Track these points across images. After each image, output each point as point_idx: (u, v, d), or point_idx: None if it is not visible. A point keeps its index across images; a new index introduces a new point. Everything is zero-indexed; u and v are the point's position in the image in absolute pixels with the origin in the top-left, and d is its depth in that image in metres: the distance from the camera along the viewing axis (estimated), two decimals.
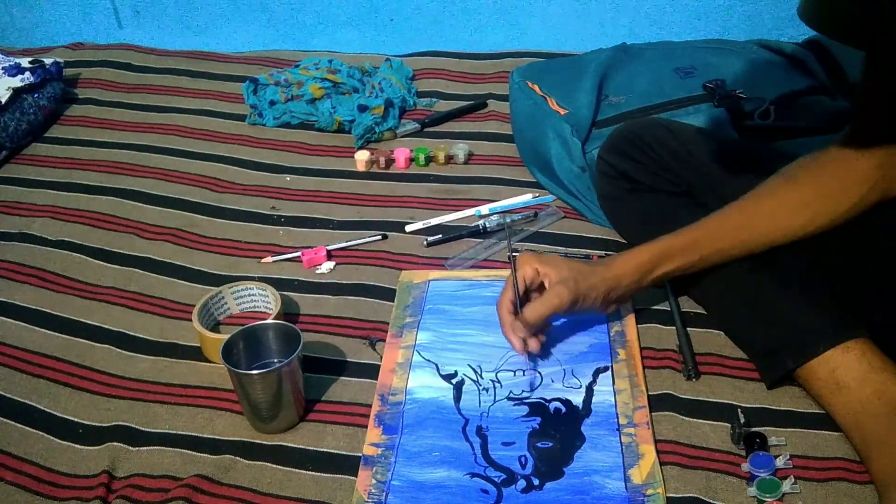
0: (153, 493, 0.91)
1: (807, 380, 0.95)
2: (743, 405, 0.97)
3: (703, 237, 1.02)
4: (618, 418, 0.97)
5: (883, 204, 0.96)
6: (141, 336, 1.14)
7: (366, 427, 0.98)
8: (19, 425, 1.01)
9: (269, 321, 1.03)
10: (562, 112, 1.36)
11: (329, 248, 1.27)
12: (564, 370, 1.04)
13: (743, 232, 1.02)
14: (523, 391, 1.01)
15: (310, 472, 0.93)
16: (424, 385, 1.03)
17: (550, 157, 1.35)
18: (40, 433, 1.00)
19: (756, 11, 1.80)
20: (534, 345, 1.00)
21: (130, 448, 0.97)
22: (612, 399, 0.99)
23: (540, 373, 1.04)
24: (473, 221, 1.33)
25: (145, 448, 0.97)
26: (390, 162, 1.50)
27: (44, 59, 1.73)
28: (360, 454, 0.95)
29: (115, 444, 0.97)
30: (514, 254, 1.04)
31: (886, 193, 0.95)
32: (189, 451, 0.96)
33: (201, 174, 1.50)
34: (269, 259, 1.27)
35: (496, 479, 0.91)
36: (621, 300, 1.05)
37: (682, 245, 1.02)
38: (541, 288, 1.01)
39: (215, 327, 1.14)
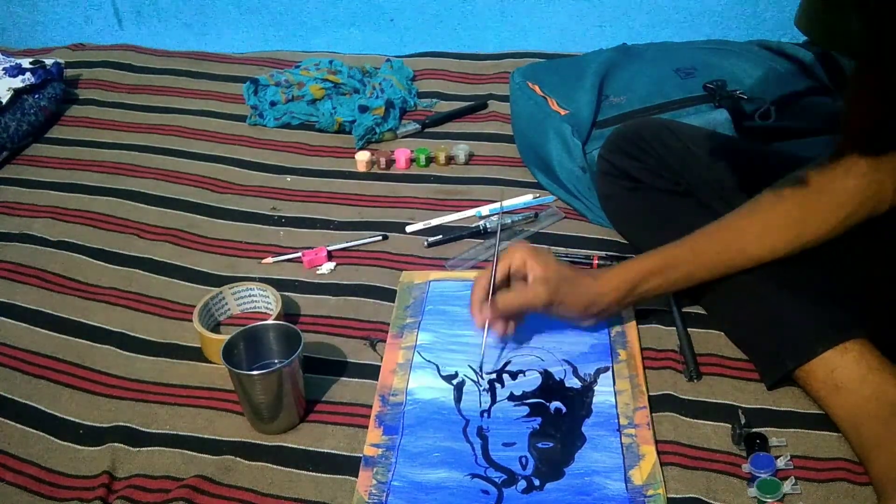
0: (154, 493, 0.91)
1: (806, 381, 0.95)
2: (743, 406, 0.97)
3: (686, 256, 1.02)
4: (618, 419, 0.97)
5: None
6: (141, 336, 1.14)
7: (366, 428, 0.98)
8: (20, 426, 1.01)
9: (270, 322, 1.03)
10: (562, 112, 1.36)
11: (329, 248, 1.27)
12: (566, 370, 1.04)
13: (728, 251, 1.01)
14: (524, 391, 1.01)
15: (310, 473, 0.93)
16: (425, 386, 1.03)
17: (551, 158, 1.35)
18: (41, 434, 1.00)
19: (757, 12, 1.80)
20: (499, 327, 1.01)
21: (131, 448, 0.97)
22: (613, 399, 0.99)
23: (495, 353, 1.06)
24: (474, 222, 1.33)
25: (146, 449, 0.97)
26: (391, 162, 1.50)
27: (44, 60, 1.73)
28: (361, 455, 0.95)
29: (116, 444, 0.97)
30: (502, 243, 1.04)
31: (874, 210, 0.95)
32: (189, 452, 0.96)
33: (202, 175, 1.50)
34: (270, 260, 1.27)
35: (497, 480, 0.91)
36: (602, 316, 1.04)
37: (665, 263, 1.02)
38: (524, 279, 1.01)
39: (216, 328, 1.14)
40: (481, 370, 1.04)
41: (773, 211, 0.99)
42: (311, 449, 0.96)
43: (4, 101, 1.58)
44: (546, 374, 1.04)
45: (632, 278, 1.01)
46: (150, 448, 0.97)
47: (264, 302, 1.15)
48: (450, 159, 1.50)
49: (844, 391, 0.91)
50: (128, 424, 1.00)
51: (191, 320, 1.10)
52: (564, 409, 0.99)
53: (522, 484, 0.90)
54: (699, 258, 1.01)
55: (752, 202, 1.01)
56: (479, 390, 1.02)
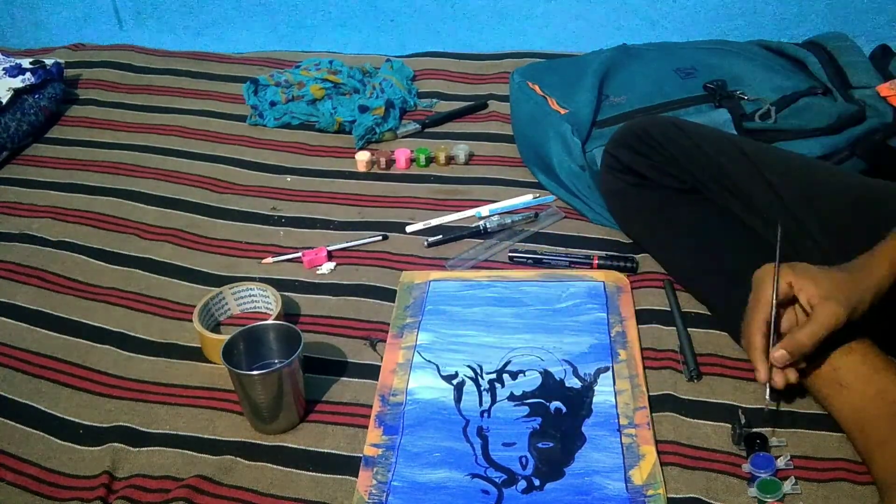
0: (154, 493, 0.91)
1: (809, 380, 0.95)
2: (744, 406, 0.97)
3: None
4: (618, 419, 0.97)
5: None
6: (141, 337, 1.14)
7: (366, 428, 0.98)
8: (20, 426, 1.01)
9: (270, 322, 1.03)
10: (562, 112, 1.36)
11: (330, 248, 1.27)
12: (566, 370, 1.04)
13: None
14: (524, 391, 1.01)
15: (310, 473, 0.93)
16: (425, 386, 1.03)
17: (551, 158, 1.35)
18: (41, 434, 1.00)
19: (757, 12, 1.80)
20: (779, 380, 0.89)
21: (131, 449, 0.97)
22: (613, 399, 0.99)
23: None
24: (474, 222, 1.33)
25: (146, 449, 0.97)
26: (391, 162, 1.50)
27: (44, 60, 1.72)
28: (361, 455, 0.95)
29: (116, 444, 0.97)
30: (777, 264, 0.89)
31: None
32: (190, 452, 0.96)
33: (202, 175, 1.50)
34: (270, 259, 1.27)
35: (497, 480, 0.91)
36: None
37: None
38: (791, 302, 0.90)
39: (216, 328, 1.14)
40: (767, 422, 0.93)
41: None
42: (311, 449, 0.96)
43: (4, 101, 1.58)
44: (546, 374, 1.04)
45: None
46: (150, 448, 0.97)
47: (264, 302, 1.15)
48: (450, 159, 1.50)
49: (848, 391, 0.91)
50: (128, 424, 1.00)
51: (191, 320, 1.10)
52: (564, 409, 0.99)
53: (522, 484, 0.90)
54: None
55: None
56: (480, 390, 1.02)
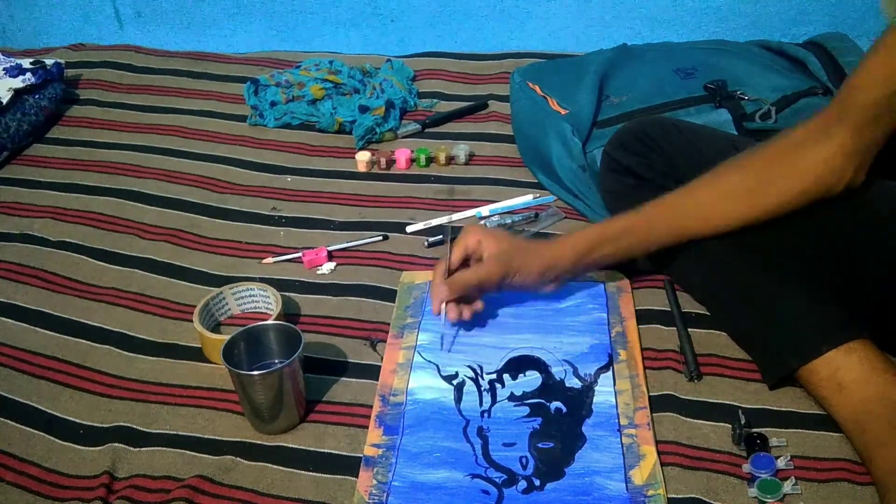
0: (154, 493, 0.91)
1: (808, 380, 0.95)
2: (744, 406, 0.97)
3: (640, 223, 1.04)
4: (619, 419, 0.97)
5: (887, 203, 0.96)
6: (142, 337, 1.14)
7: (366, 428, 0.98)
8: (20, 426, 1.01)
9: (270, 322, 1.03)
10: (562, 112, 1.36)
11: (330, 248, 1.27)
12: (566, 370, 1.04)
13: (683, 218, 1.04)
14: (524, 391, 1.01)
15: (310, 473, 0.93)
16: (425, 386, 1.03)
17: (551, 158, 1.35)
18: (41, 434, 1.00)
19: (757, 12, 1.80)
20: (452, 313, 1.04)
21: (131, 449, 0.97)
22: (613, 400, 0.99)
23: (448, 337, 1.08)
24: (474, 222, 1.33)
25: (146, 449, 0.97)
26: (391, 163, 1.50)
27: (45, 60, 1.73)
28: (361, 455, 0.95)
29: (116, 444, 0.97)
30: (455, 225, 1.10)
31: (830, 190, 0.96)
32: (190, 452, 0.96)
33: (202, 175, 1.50)
34: (270, 260, 1.27)
35: (497, 480, 0.91)
36: (559, 281, 1.07)
37: (619, 230, 1.05)
38: (481, 259, 1.04)
39: (216, 328, 1.14)
40: (443, 350, 1.07)
41: (730, 180, 1.01)
42: (311, 449, 0.96)
43: (5, 101, 1.58)
44: (546, 374, 1.04)
45: (587, 243, 1.04)
46: (150, 448, 0.97)
47: (264, 302, 1.15)
48: (450, 159, 1.50)
49: (848, 391, 0.91)
50: (128, 424, 1.00)
51: (191, 320, 1.10)
52: (565, 409, 0.99)
53: (523, 484, 0.90)
54: (655, 225, 1.04)
55: (711, 172, 1.03)
56: (480, 390, 1.02)
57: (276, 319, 1.06)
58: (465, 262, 1.06)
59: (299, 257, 1.26)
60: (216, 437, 0.98)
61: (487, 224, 1.30)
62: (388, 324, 1.13)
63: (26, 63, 1.69)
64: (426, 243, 1.28)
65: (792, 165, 0.97)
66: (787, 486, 0.87)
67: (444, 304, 1.04)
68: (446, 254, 1.05)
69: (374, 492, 0.90)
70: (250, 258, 1.28)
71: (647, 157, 1.17)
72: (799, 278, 1.01)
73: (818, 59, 1.40)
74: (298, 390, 0.98)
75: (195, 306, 1.11)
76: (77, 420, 1.02)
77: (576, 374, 1.03)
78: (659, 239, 1.05)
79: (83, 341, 1.14)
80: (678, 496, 0.88)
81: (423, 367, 1.06)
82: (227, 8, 2.00)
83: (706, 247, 1.07)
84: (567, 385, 1.02)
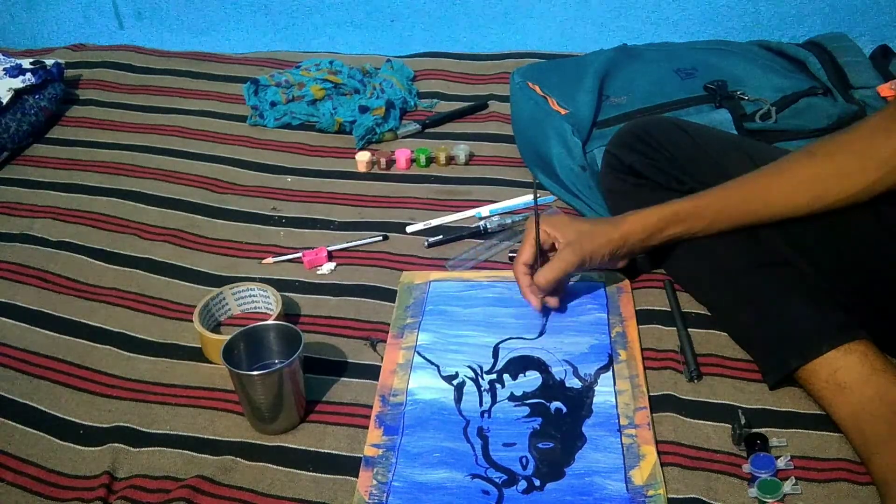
0: (154, 493, 0.91)
1: (808, 381, 0.95)
2: (744, 406, 0.97)
3: (712, 203, 1.05)
4: (619, 419, 0.97)
5: (888, 204, 0.96)
6: (142, 337, 1.14)
7: (366, 428, 0.98)
8: (20, 426, 1.01)
9: (270, 322, 1.03)
10: (562, 112, 1.36)
11: (330, 248, 1.27)
12: (566, 370, 1.04)
13: (751, 202, 1.03)
14: (524, 391, 1.01)
15: (310, 473, 0.93)
16: (425, 386, 1.03)
17: (551, 158, 1.35)
18: (41, 434, 1.00)
19: (757, 12, 1.80)
20: (553, 302, 1.10)
21: (131, 449, 0.97)
22: (614, 400, 0.99)
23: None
24: (474, 222, 1.33)
25: (146, 449, 0.97)
26: (391, 163, 1.50)
27: (45, 61, 1.72)
28: (361, 455, 0.95)
29: (116, 444, 0.97)
30: (537, 213, 1.09)
31: None
32: (190, 452, 0.96)
33: (202, 175, 1.50)
34: (270, 260, 1.27)
35: (497, 480, 0.91)
36: (629, 255, 1.11)
37: (691, 210, 1.05)
38: (553, 248, 1.08)
39: (216, 328, 1.14)
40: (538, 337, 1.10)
41: (801, 167, 1.00)
42: (311, 449, 0.96)
43: (5, 101, 1.58)
44: (546, 375, 1.04)
45: (659, 222, 1.06)
46: (150, 448, 0.97)
47: (265, 302, 1.15)
48: (450, 159, 1.50)
49: (847, 391, 0.91)
50: (128, 425, 1.00)
51: (191, 320, 1.10)
52: (565, 410, 0.99)
53: (523, 484, 0.90)
54: (724, 207, 1.05)
55: (783, 158, 1.03)
56: (480, 390, 1.02)
57: (276, 319, 1.06)
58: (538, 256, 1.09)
59: (299, 257, 1.26)
60: (216, 438, 0.98)
61: (487, 224, 1.30)
62: (388, 324, 1.13)
63: (26, 63, 1.69)
64: (426, 243, 1.28)
65: (865, 155, 0.95)
66: (787, 486, 0.87)
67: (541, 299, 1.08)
68: (521, 250, 1.08)
69: (374, 492, 0.90)
70: (250, 258, 1.28)
71: (650, 156, 1.17)
72: (799, 279, 1.01)
73: (818, 59, 1.40)
74: (298, 390, 0.98)
75: (195, 306, 1.11)
76: (77, 420, 1.02)
77: (576, 374, 1.03)
78: (724, 222, 1.05)
79: (83, 341, 1.14)
80: (678, 496, 0.88)
81: (423, 368, 1.06)
82: (228, 8, 2.00)
83: (706, 247, 1.07)
84: (567, 385, 1.02)
